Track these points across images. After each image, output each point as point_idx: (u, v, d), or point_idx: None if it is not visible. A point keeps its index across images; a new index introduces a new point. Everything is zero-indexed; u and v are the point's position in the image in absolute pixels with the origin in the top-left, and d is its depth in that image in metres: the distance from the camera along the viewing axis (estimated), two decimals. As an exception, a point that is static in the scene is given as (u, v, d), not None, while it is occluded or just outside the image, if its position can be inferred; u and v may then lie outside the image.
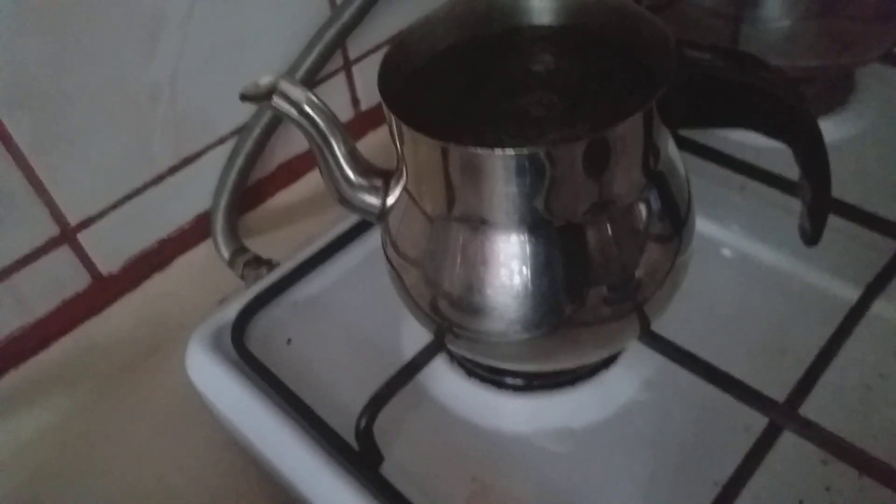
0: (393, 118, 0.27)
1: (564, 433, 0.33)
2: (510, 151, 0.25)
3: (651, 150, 0.27)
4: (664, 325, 0.33)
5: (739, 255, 0.39)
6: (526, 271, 0.28)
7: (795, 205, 0.32)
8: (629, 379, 0.34)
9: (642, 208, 0.28)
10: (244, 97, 0.29)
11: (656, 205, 0.28)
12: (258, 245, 0.47)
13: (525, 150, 0.25)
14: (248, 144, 0.46)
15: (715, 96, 0.28)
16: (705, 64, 0.28)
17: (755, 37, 0.41)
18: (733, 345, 0.35)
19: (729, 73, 0.28)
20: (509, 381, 0.35)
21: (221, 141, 0.46)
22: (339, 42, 0.48)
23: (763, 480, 0.29)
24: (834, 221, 0.37)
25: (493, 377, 0.35)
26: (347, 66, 0.51)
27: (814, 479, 0.30)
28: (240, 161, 0.46)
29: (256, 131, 0.46)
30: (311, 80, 0.47)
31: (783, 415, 0.30)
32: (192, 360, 0.38)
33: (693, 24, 0.43)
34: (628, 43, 0.29)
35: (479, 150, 0.25)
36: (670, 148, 0.29)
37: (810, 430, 0.29)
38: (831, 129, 0.45)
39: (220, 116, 0.46)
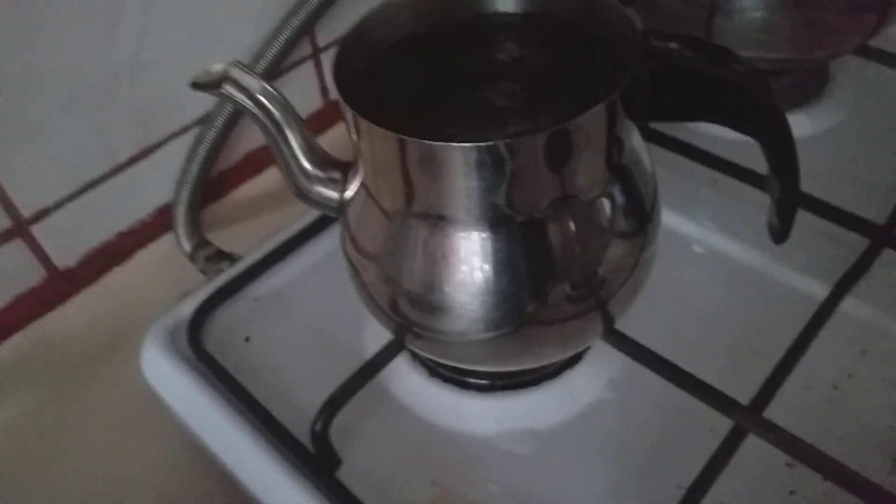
0: (348, 109, 0.26)
1: (528, 434, 0.32)
2: (467, 145, 0.24)
3: (615, 142, 0.26)
4: (630, 324, 0.33)
5: (709, 252, 0.39)
6: (486, 269, 0.27)
7: (768, 200, 0.31)
8: (594, 378, 0.34)
9: (606, 203, 0.27)
10: (195, 85, 0.28)
11: (620, 199, 0.28)
12: (221, 238, 0.45)
13: (483, 144, 0.24)
14: (212, 134, 0.45)
15: (682, 89, 0.27)
16: (673, 55, 0.27)
17: (729, 27, 0.40)
18: (701, 344, 0.34)
19: (697, 65, 0.27)
20: (472, 380, 0.34)
21: (184, 130, 0.45)
22: (307, 28, 0.46)
23: (727, 484, 0.29)
24: (805, 218, 0.36)
25: (455, 376, 0.34)
26: (316, 54, 0.50)
27: (778, 483, 0.29)
28: (203, 151, 0.45)
29: (220, 120, 0.45)
30: (278, 69, 0.46)
31: (747, 418, 0.29)
32: (147, 358, 0.37)
33: (667, 12, 0.42)
34: (594, 32, 0.28)
35: (436, 144, 0.24)
36: (635, 141, 0.28)
37: (774, 434, 0.28)
38: (805, 122, 0.44)
39: (183, 105, 0.44)
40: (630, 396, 0.33)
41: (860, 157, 0.42)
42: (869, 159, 0.42)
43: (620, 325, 0.32)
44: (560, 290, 0.27)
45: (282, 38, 0.45)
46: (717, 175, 0.40)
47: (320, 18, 0.46)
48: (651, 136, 0.40)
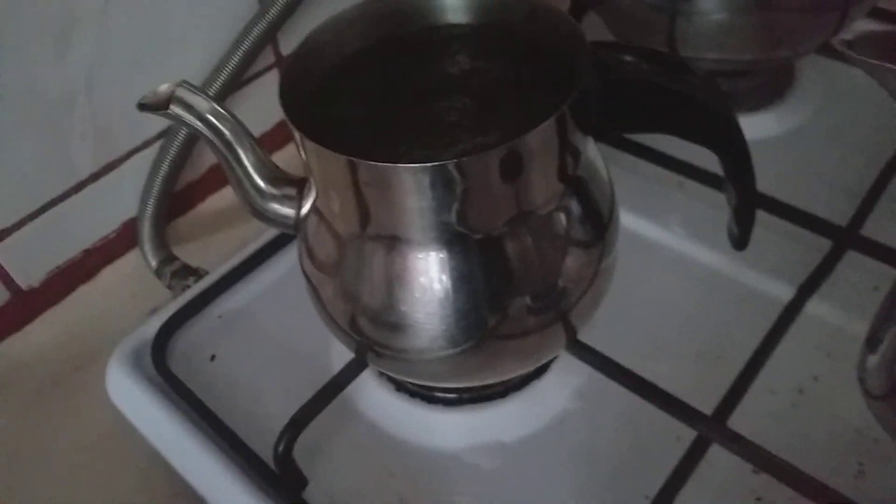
0: (296, 130, 0.25)
1: (496, 448, 0.32)
2: (416, 165, 0.24)
3: (568, 155, 0.26)
4: (595, 332, 0.32)
5: (674, 255, 0.38)
6: (445, 289, 0.26)
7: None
8: (561, 388, 0.34)
9: (562, 216, 0.27)
10: (142, 107, 0.28)
11: (577, 211, 0.27)
12: (189, 252, 0.45)
13: (431, 164, 0.23)
14: (175, 147, 0.44)
15: (637, 101, 0.27)
16: (628, 67, 0.27)
17: (691, 30, 0.39)
18: (667, 349, 0.34)
19: (651, 78, 0.27)
20: (439, 395, 0.34)
21: (147, 144, 0.44)
22: (270, 37, 0.45)
23: (694, 490, 0.29)
24: (770, 220, 0.36)
25: (422, 391, 0.34)
26: (279, 63, 0.49)
27: (744, 489, 0.29)
28: (166, 165, 0.44)
29: (183, 133, 0.44)
30: (239, 79, 0.45)
31: (710, 428, 0.29)
32: (112, 380, 0.36)
33: (628, 17, 0.42)
34: (546, 43, 0.28)
35: (383, 165, 0.24)
36: (590, 151, 0.28)
37: (738, 445, 0.28)
38: (771, 122, 0.44)
39: (144, 118, 0.43)
40: (597, 405, 0.33)
41: (825, 156, 0.42)
42: (834, 159, 0.42)
43: (584, 335, 0.31)
44: (520, 304, 0.27)
45: (243, 48, 0.44)
46: (681, 178, 0.40)
47: (283, 26, 0.46)
48: (615, 141, 0.39)
